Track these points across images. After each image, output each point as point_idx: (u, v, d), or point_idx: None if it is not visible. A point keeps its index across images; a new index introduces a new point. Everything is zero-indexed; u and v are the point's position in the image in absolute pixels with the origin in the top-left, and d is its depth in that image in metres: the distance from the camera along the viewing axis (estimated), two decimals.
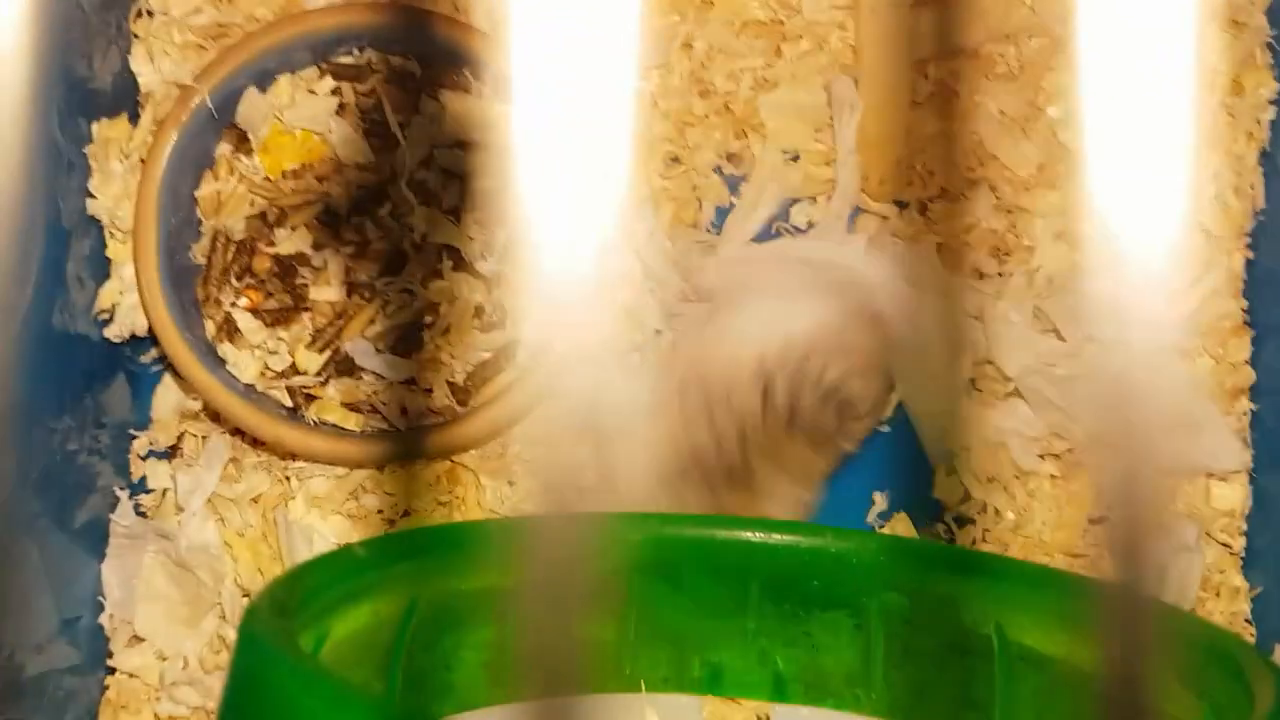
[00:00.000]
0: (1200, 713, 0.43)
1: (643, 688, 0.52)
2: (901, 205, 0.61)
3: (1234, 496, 0.59)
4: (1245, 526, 0.59)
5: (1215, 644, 0.44)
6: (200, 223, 0.59)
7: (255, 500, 0.59)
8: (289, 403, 0.58)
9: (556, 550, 0.20)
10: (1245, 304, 0.60)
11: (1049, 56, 0.62)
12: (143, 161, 0.57)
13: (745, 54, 0.61)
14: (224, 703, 0.37)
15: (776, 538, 0.51)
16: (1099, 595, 0.47)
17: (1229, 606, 0.59)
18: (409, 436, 0.58)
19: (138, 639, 0.58)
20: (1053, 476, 0.58)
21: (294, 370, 0.58)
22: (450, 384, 0.59)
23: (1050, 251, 0.60)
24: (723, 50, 0.61)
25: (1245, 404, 0.59)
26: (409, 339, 0.59)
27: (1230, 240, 0.61)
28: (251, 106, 0.58)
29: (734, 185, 0.61)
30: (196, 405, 0.59)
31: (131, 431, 0.60)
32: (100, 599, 0.57)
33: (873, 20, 0.61)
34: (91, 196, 0.57)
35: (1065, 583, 0.49)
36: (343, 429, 0.58)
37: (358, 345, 0.58)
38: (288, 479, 0.59)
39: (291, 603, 0.39)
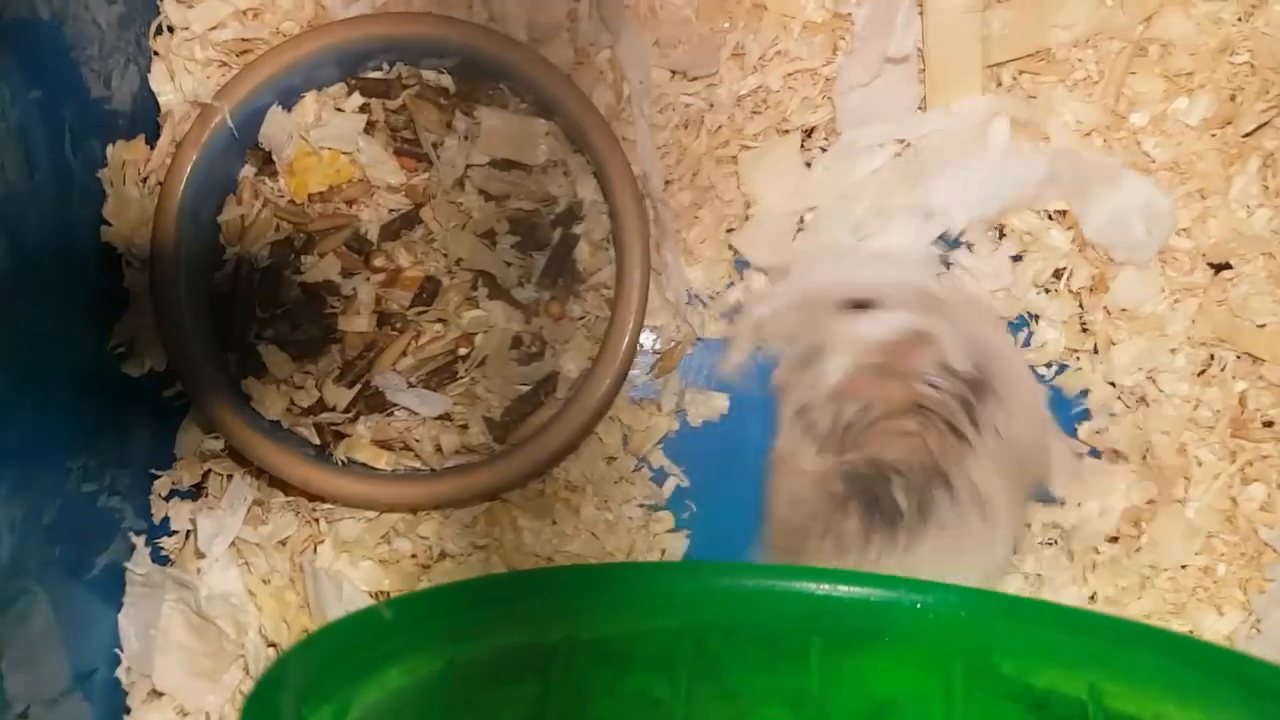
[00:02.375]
0: None
1: None
2: None
3: None
4: None
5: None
6: (223, 249, 0.56)
7: (282, 544, 0.55)
8: (316, 441, 0.55)
9: None
10: None
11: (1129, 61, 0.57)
12: (161, 185, 0.53)
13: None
14: None
15: (843, 589, 0.47)
16: (1204, 657, 0.43)
17: None
18: (443, 476, 0.54)
19: (156, 694, 0.54)
20: None
21: (321, 406, 0.55)
22: (487, 419, 0.55)
23: None
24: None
25: None
26: (443, 372, 0.55)
27: None
28: (276, 126, 0.55)
29: None
30: (220, 444, 0.56)
31: (153, 471, 0.57)
32: (117, 651, 0.54)
33: (940, 23, 0.56)
34: (107, 223, 0.54)
35: (1166, 642, 0.45)
36: (373, 469, 0.54)
37: (389, 379, 0.55)
38: (316, 521, 0.56)
39: (305, 677, 0.35)
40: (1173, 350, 0.56)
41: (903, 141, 0.57)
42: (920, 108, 0.57)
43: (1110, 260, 0.56)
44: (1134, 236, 0.55)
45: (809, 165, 0.57)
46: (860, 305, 0.53)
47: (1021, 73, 0.57)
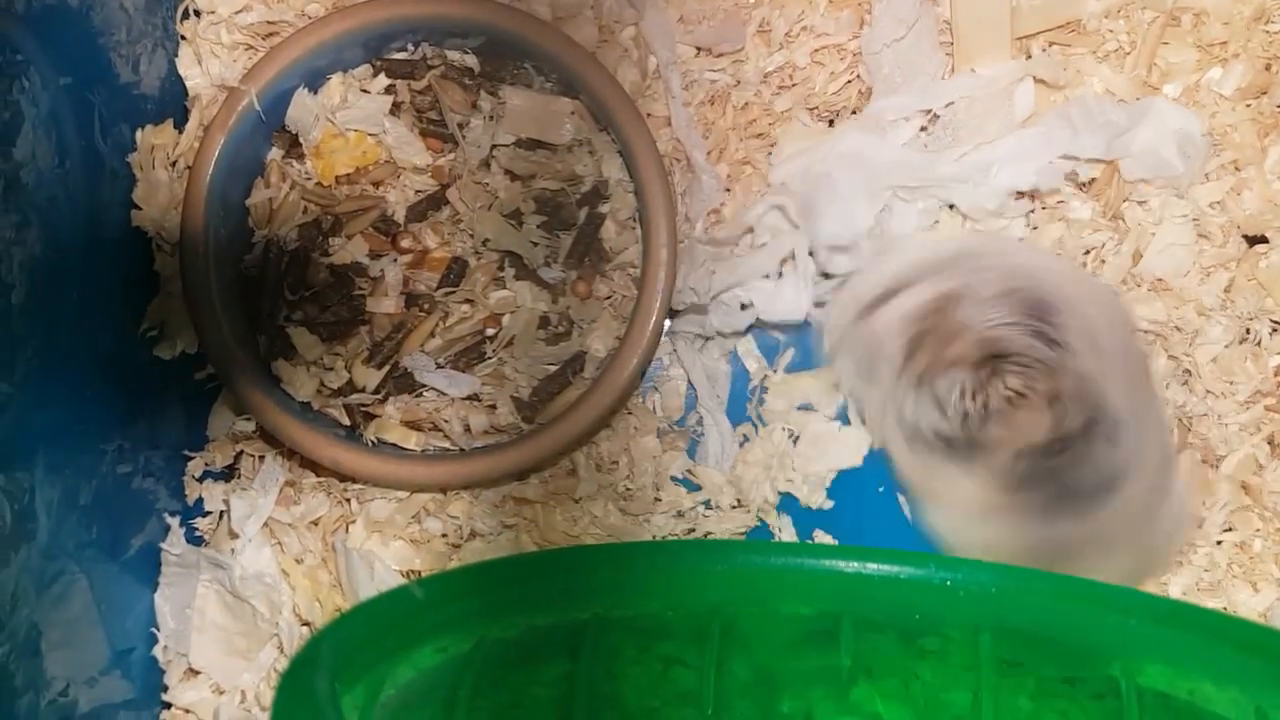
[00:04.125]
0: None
1: None
2: None
3: None
4: None
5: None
6: (252, 233, 0.56)
7: (314, 524, 0.56)
8: (346, 422, 0.55)
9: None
10: None
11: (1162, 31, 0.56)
12: (189, 169, 0.54)
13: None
14: None
15: (872, 568, 0.47)
16: (1240, 634, 0.42)
17: None
18: (473, 456, 0.54)
19: (193, 672, 0.55)
20: None
21: (351, 387, 0.55)
22: (515, 399, 0.55)
23: None
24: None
25: None
26: (471, 352, 0.55)
27: None
28: (302, 108, 0.55)
29: None
30: (251, 425, 0.56)
31: (186, 453, 0.57)
32: (154, 630, 0.55)
33: None
34: (136, 207, 0.54)
35: (1200, 619, 0.44)
36: (403, 449, 0.55)
37: (417, 360, 0.55)
38: (347, 501, 0.56)
39: (338, 656, 0.36)
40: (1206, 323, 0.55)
41: (929, 113, 0.56)
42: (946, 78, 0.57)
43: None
44: (1170, 163, 0.54)
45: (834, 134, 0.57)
46: (881, 299, 0.51)
47: (1052, 44, 0.56)
